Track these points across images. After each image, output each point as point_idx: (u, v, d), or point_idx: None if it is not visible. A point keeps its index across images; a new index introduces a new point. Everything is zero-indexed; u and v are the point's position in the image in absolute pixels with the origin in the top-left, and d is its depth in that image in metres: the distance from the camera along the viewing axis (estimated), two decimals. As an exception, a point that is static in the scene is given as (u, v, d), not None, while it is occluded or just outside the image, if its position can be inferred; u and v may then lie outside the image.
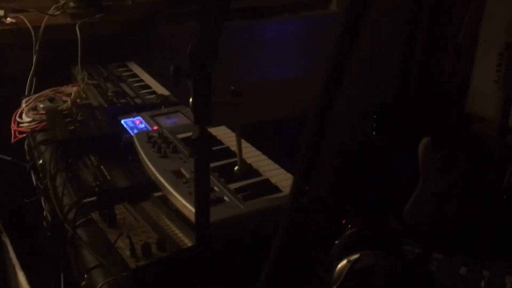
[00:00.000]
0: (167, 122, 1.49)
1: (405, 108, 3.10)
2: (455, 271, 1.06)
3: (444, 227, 2.50)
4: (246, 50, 2.56)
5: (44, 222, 1.62)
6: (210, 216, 0.69)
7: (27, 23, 1.84)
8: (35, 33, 1.83)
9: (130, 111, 1.56)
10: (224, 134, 1.35)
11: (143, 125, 1.46)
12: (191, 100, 0.60)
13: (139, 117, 1.51)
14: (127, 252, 0.90)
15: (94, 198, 1.04)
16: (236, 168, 0.66)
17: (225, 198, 1.01)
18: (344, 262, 0.74)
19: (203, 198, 0.66)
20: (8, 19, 1.85)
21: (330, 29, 2.77)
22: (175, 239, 0.94)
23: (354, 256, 0.73)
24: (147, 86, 1.79)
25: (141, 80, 1.86)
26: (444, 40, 2.94)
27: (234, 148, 1.26)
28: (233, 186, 1.07)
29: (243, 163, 0.65)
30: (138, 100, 1.66)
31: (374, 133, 3.07)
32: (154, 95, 1.70)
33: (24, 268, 1.74)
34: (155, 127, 1.44)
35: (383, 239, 0.78)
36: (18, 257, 1.79)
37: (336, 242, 0.82)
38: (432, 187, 2.57)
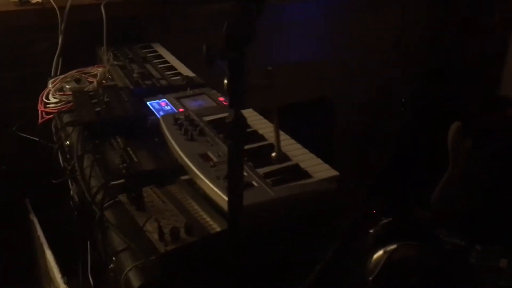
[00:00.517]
0: (193, 104, 1.47)
1: (434, 91, 3.01)
2: (495, 263, 1.01)
3: (473, 215, 2.44)
4: (272, 30, 2.51)
5: (71, 203, 1.64)
6: (242, 202, 0.66)
7: (53, 3, 1.83)
8: (61, 13, 1.82)
9: (156, 92, 1.54)
10: (251, 116, 1.32)
11: (169, 107, 1.45)
12: (225, 81, 0.57)
13: (164, 99, 1.50)
14: (156, 236, 0.88)
15: (121, 180, 1.03)
16: (273, 154, 0.63)
17: (254, 183, 0.98)
18: (381, 252, 0.71)
19: (236, 184, 0.63)
20: (34, -1, 1.84)
21: (354, 11, 2.70)
22: (203, 224, 0.93)
23: (391, 247, 0.70)
24: (172, 68, 1.77)
25: (166, 61, 1.83)
26: (477, 20, 2.82)
27: (262, 131, 1.23)
28: (261, 170, 1.04)
29: (280, 149, 0.61)
30: (163, 82, 1.64)
31: (403, 117, 2.99)
32: (179, 77, 1.68)
33: (51, 247, 1.77)
34: (181, 109, 1.42)
35: (420, 229, 0.75)
36: (45, 236, 1.82)
37: (371, 231, 0.79)
38: (462, 174, 2.50)
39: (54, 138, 1.69)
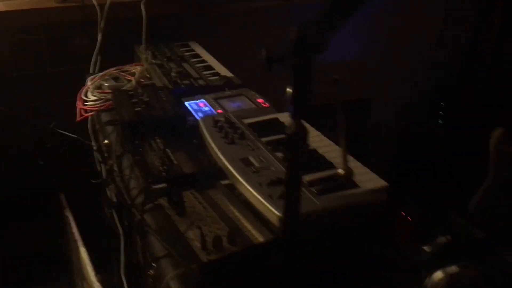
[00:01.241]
0: (232, 105, 1.44)
1: (476, 95, 2.89)
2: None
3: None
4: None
5: (107, 201, 1.64)
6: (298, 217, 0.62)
7: (93, 1, 1.83)
8: (100, 11, 1.83)
9: (194, 92, 1.52)
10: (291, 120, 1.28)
11: (207, 108, 1.42)
12: (288, 90, 0.53)
13: (203, 100, 1.47)
14: (197, 244, 0.86)
15: (163, 184, 1.00)
16: (339, 170, 0.59)
17: (298, 191, 0.94)
18: (440, 274, 0.66)
19: (293, 198, 0.59)
20: (75, -4, 1.85)
21: (400, 8, 2.61)
22: (245, 233, 0.90)
23: (453, 269, 0.65)
24: (209, 67, 1.75)
25: (204, 61, 1.81)
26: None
27: (304, 136, 1.18)
28: (305, 178, 1.00)
29: (347, 165, 0.57)
30: (201, 82, 1.62)
31: (440, 121, 2.89)
32: (217, 77, 1.65)
33: (86, 244, 1.78)
34: (220, 111, 1.39)
35: (480, 248, 0.70)
36: (80, 233, 1.83)
37: (425, 248, 0.74)
38: (503, 181, 2.39)
39: (91, 136, 1.70)
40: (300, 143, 0.56)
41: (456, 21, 2.77)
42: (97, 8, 1.82)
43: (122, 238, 1.48)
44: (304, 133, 0.55)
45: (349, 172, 0.57)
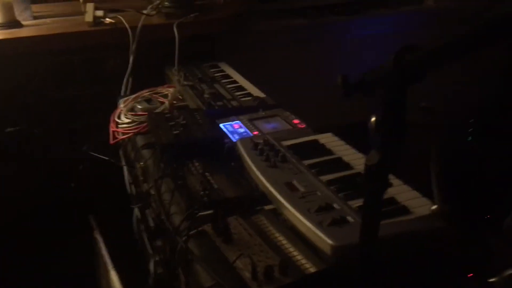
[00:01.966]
0: (267, 126, 1.42)
1: (509, 111, 2.81)
2: None
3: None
4: (337, 48, 2.44)
5: (139, 226, 1.62)
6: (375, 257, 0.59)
7: (125, 23, 1.85)
8: (132, 33, 1.84)
9: (228, 114, 1.50)
10: (332, 142, 1.25)
11: (242, 130, 1.40)
12: (373, 119, 0.50)
13: (238, 121, 1.46)
14: (247, 274, 0.83)
15: (209, 211, 0.98)
16: (434, 207, 0.55)
17: (348, 218, 0.91)
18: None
19: (372, 236, 0.56)
20: (107, 19, 1.87)
21: (426, 24, 2.58)
22: (295, 262, 0.86)
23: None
24: (241, 88, 1.73)
25: (235, 81, 1.80)
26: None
27: (347, 158, 1.15)
28: (353, 203, 0.96)
29: (442, 200, 0.54)
30: (234, 103, 1.60)
31: (470, 138, 2.82)
32: (250, 97, 1.64)
33: (116, 267, 1.76)
34: (256, 132, 1.37)
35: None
36: (110, 256, 1.81)
37: (492, 281, 0.69)
38: (540, 202, 2.30)
39: (122, 158, 1.69)
40: (382, 177, 0.52)
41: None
42: (129, 30, 1.84)
43: (152, 262, 1.46)
44: (388, 167, 0.51)
45: (443, 210, 0.53)
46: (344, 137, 1.31)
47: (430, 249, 0.90)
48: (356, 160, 1.14)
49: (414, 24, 2.59)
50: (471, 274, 0.88)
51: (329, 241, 0.83)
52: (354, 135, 1.37)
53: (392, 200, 0.97)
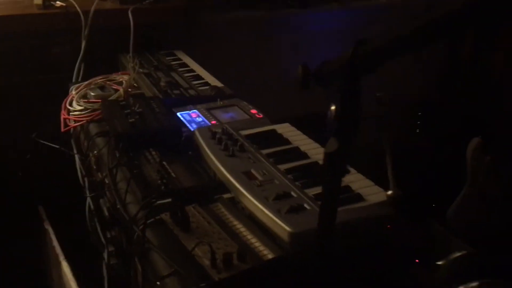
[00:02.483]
0: (225, 116, 1.43)
1: (452, 106, 2.97)
2: None
3: (490, 233, 2.39)
4: (292, 40, 2.47)
5: (88, 215, 1.58)
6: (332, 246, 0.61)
7: (77, 7, 1.78)
8: (85, 18, 1.78)
9: (185, 103, 1.49)
10: (289, 132, 1.28)
11: (200, 119, 1.40)
12: (332, 108, 0.52)
13: (195, 110, 1.45)
14: (207, 262, 0.83)
15: (168, 200, 0.97)
16: (389, 192, 0.58)
17: (306, 205, 0.93)
18: (461, 290, 0.66)
19: (328, 224, 0.58)
20: (57, 2, 1.79)
21: (377, 20, 2.66)
22: (253, 249, 0.88)
23: (473, 285, 0.65)
24: (199, 77, 1.72)
25: (192, 70, 1.79)
26: (497, 32, 2.79)
27: (304, 148, 1.18)
28: (310, 191, 0.99)
29: (395, 185, 0.56)
30: (191, 92, 1.59)
31: (417, 131, 2.95)
32: (207, 87, 1.63)
33: (68, 259, 1.71)
34: (214, 122, 1.37)
35: (499, 262, 0.70)
36: (61, 247, 1.76)
37: (440, 263, 0.74)
38: (479, 191, 2.45)
39: (75, 147, 1.64)
40: (339, 165, 0.54)
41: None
42: (81, 15, 1.77)
43: (106, 252, 1.43)
44: (345, 155, 0.53)
45: (398, 195, 0.56)
46: (299, 128, 1.34)
47: (381, 235, 0.94)
48: (313, 150, 1.17)
49: (365, 20, 2.66)
50: (417, 260, 0.93)
51: (287, 228, 0.85)
52: (309, 126, 1.40)
53: (347, 188, 1.00)
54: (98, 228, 1.52)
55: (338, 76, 0.51)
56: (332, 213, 0.57)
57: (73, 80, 1.79)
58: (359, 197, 0.97)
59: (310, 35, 2.49)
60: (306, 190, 0.99)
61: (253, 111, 1.45)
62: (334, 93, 0.51)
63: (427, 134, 2.93)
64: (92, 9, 1.78)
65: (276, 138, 1.22)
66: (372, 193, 0.98)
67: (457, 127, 2.84)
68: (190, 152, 1.23)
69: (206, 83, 1.66)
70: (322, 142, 1.25)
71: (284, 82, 2.46)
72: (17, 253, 1.93)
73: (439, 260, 0.78)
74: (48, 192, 1.91)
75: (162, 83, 1.60)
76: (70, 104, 1.55)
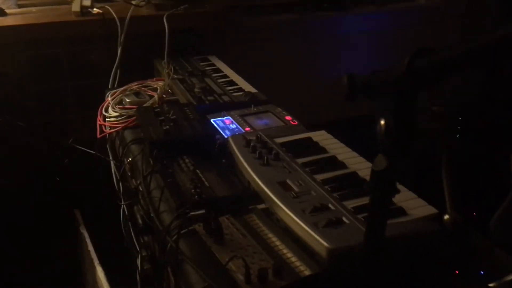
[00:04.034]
0: (259, 122, 1.40)
1: (494, 110, 2.84)
2: None
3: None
4: (326, 44, 2.42)
5: (123, 220, 1.58)
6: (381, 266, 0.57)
7: (113, 14, 1.80)
8: (121, 24, 1.79)
9: (219, 109, 1.47)
10: (326, 140, 1.23)
11: (234, 126, 1.37)
12: (382, 122, 0.48)
13: (228, 117, 1.42)
14: (240, 276, 0.80)
15: (201, 211, 0.95)
16: (446, 216, 0.53)
17: (344, 219, 0.89)
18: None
19: (376, 242, 0.54)
20: (94, 9, 1.82)
21: (417, 22, 2.57)
22: (289, 264, 0.84)
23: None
24: (232, 82, 1.70)
25: (226, 76, 1.77)
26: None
27: (341, 157, 1.13)
28: (349, 204, 0.94)
29: (454, 208, 0.51)
30: (225, 98, 1.57)
31: (458, 136, 2.83)
32: (241, 92, 1.61)
33: (102, 263, 1.72)
34: (248, 128, 1.35)
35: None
36: (96, 252, 1.77)
37: (493, 286, 0.68)
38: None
39: (110, 152, 1.65)
40: (388, 184, 0.50)
41: (474, 30, 2.72)
42: (118, 21, 1.79)
43: (139, 257, 1.43)
44: (394, 174, 0.49)
45: (457, 219, 0.51)
46: (335, 133, 1.29)
47: (424, 250, 0.88)
48: (351, 159, 1.12)
49: (403, 22, 2.58)
50: (457, 272, 0.87)
51: (325, 244, 0.81)
52: (344, 131, 1.35)
53: (388, 201, 0.95)
54: (132, 233, 1.52)
55: (390, 88, 0.46)
56: (379, 234, 0.53)
57: (109, 86, 1.81)
58: (401, 211, 0.92)
59: (347, 38, 2.44)
60: (345, 203, 0.95)
61: (288, 117, 1.41)
62: (384, 106, 0.46)
63: (469, 140, 2.81)
64: (128, 15, 1.80)
65: (312, 147, 1.18)
66: (415, 206, 0.93)
67: (498, 135, 2.71)
68: (223, 160, 1.21)
69: (240, 89, 1.64)
70: (355, 148, 1.20)
71: (320, 86, 2.43)
72: (54, 255, 1.97)
73: (493, 281, 0.72)
74: (84, 197, 1.94)
75: (196, 89, 1.59)
76: (106, 110, 1.56)
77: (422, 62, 0.45)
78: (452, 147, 0.52)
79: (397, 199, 0.95)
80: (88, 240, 1.84)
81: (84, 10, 1.81)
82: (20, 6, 1.94)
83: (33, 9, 1.92)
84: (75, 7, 1.80)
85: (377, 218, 0.54)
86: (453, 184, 0.52)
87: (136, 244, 1.46)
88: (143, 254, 1.34)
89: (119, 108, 1.53)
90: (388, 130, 0.47)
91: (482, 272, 0.89)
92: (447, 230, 0.54)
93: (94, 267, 1.75)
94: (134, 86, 1.65)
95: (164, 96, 1.59)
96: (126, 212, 1.55)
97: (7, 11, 1.84)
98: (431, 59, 0.44)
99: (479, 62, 0.42)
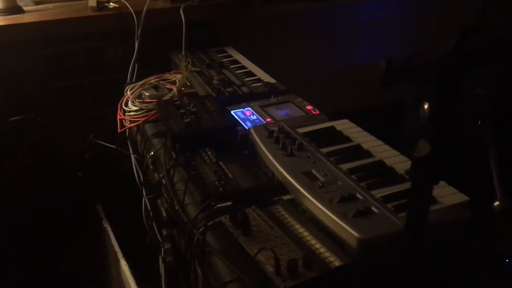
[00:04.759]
0: (279, 113, 1.38)
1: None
2: None
3: None
4: (342, 32, 2.39)
5: (145, 214, 1.59)
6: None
7: (129, 8, 1.79)
8: (137, 18, 1.78)
9: (239, 100, 1.46)
10: (349, 128, 1.21)
11: (255, 117, 1.36)
12: (426, 106, 0.46)
13: (249, 108, 1.41)
14: (270, 268, 0.79)
15: (228, 203, 0.94)
16: (496, 203, 0.51)
17: (374, 208, 0.87)
18: None
19: (418, 231, 0.52)
20: (111, 3, 1.81)
21: (436, 8, 2.51)
22: (319, 255, 0.83)
23: None
24: (251, 73, 1.69)
25: (243, 67, 1.75)
26: None
27: (366, 145, 1.11)
28: (377, 193, 0.93)
29: (504, 195, 0.50)
30: (244, 89, 1.56)
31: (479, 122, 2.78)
32: (260, 83, 1.59)
33: (126, 257, 1.73)
34: (268, 119, 1.33)
35: None
36: (119, 245, 1.79)
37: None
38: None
39: (130, 146, 1.66)
40: (431, 170, 0.48)
41: (494, 21, 2.65)
42: (134, 15, 1.78)
43: (162, 250, 1.43)
44: (440, 160, 0.47)
45: (506, 204, 0.49)
46: (356, 122, 1.27)
47: (455, 239, 0.86)
48: (376, 147, 1.10)
49: (419, 8, 2.52)
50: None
51: (355, 234, 0.80)
52: (363, 120, 1.33)
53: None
54: (155, 227, 1.52)
55: (434, 71, 0.44)
56: (421, 225, 0.52)
57: (128, 81, 1.81)
58: (432, 200, 0.89)
59: (363, 25, 2.40)
60: (373, 192, 0.93)
61: (309, 107, 1.39)
62: (426, 89, 0.44)
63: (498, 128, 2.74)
64: (144, 9, 1.79)
65: (336, 136, 1.16)
66: (446, 194, 0.91)
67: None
68: (246, 151, 1.20)
69: (259, 80, 1.62)
70: (378, 137, 1.17)
71: (338, 75, 2.40)
72: (78, 250, 1.99)
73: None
74: (106, 191, 1.95)
75: (214, 81, 1.58)
76: (126, 105, 1.56)
77: (472, 42, 0.42)
78: (499, 132, 0.50)
79: (427, 187, 0.93)
80: (111, 234, 1.85)
81: (100, 5, 1.81)
82: (36, 3, 1.95)
83: (50, 5, 1.92)
84: (92, 2, 1.80)
85: (419, 207, 0.52)
86: (502, 170, 0.50)
87: (158, 236, 1.46)
88: (166, 247, 1.34)
89: (138, 102, 1.53)
90: (433, 114, 0.45)
91: (507, 260, 0.87)
92: (488, 220, 0.52)
93: (118, 261, 1.76)
94: (152, 80, 1.65)
95: (183, 89, 1.58)
96: (149, 206, 1.56)
97: (25, 8, 1.85)
98: (481, 39, 0.42)
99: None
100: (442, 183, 0.94)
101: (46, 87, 1.85)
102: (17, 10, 1.80)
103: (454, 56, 0.42)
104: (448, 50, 0.43)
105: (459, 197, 0.90)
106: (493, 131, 0.50)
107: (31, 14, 1.82)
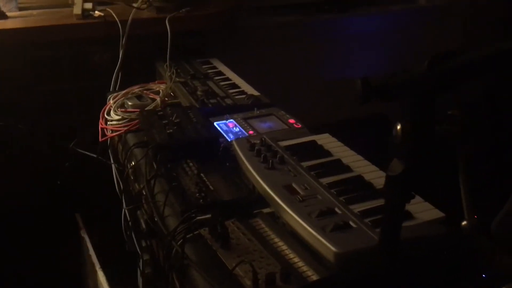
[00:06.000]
0: (262, 125, 1.39)
1: (495, 109, 2.83)
2: None
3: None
4: (328, 45, 2.42)
5: (125, 224, 1.58)
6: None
7: (115, 16, 1.79)
8: (122, 27, 1.78)
9: (222, 112, 1.47)
10: (330, 143, 1.23)
11: (237, 129, 1.37)
12: (398, 127, 0.47)
13: (232, 120, 1.42)
14: (248, 282, 0.80)
15: (207, 216, 0.94)
16: (464, 222, 0.53)
17: (351, 223, 0.88)
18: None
19: (391, 247, 0.53)
20: (96, 12, 1.81)
21: (419, 24, 2.57)
22: (297, 269, 0.83)
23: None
24: (235, 85, 1.70)
25: (228, 79, 1.76)
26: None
27: (346, 160, 1.13)
28: (355, 207, 0.94)
29: (472, 215, 0.51)
30: (228, 101, 1.57)
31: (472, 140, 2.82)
32: (244, 95, 1.60)
33: (103, 267, 1.71)
34: (251, 132, 1.34)
35: None
36: (97, 256, 1.76)
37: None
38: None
39: (111, 156, 1.64)
40: (404, 189, 0.49)
41: (478, 36, 2.72)
42: (119, 24, 1.78)
43: (141, 263, 1.42)
44: (413, 178, 0.48)
45: (474, 223, 0.51)
46: (336, 134, 1.29)
47: (432, 254, 0.88)
48: (356, 162, 1.12)
49: (405, 23, 2.58)
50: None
51: (333, 248, 0.81)
52: (346, 132, 1.35)
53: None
54: (134, 238, 1.51)
55: (408, 91, 0.46)
56: (393, 242, 0.53)
57: (111, 89, 1.80)
58: (408, 215, 0.91)
59: (348, 40, 2.44)
60: (351, 206, 0.94)
61: (291, 120, 1.41)
62: (402, 110, 0.46)
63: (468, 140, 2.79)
64: (130, 18, 1.79)
65: (317, 150, 1.18)
66: (422, 210, 0.92)
67: (501, 138, 2.70)
68: (227, 163, 1.20)
69: (243, 92, 1.63)
70: (360, 150, 1.19)
71: (323, 88, 2.42)
72: (55, 259, 1.96)
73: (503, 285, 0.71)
74: (85, 200, 1.93)
75: (198, 92, 1.59)
76: (108, 114, 1.55)
77: (444, 65, 0.44)
78: (469, 152, 0.51)
79: (404, 202, 0.95)
80: (89, 244, 1.83)
81: (85, 13, 1.80)
82: (21, 9, 1.93)
83: (34, 12, 1.91)
84: (77, 10, 1.79)
85: (391, 223, 0.53)
86: (470, 189, 0.52)
87: (137, 247, 1.45)
88: (145, 258, 1.33)
89: (121, 111, 1.52)
90: (405, 134, 0.46)
91: (484, 276, 0.89)
92: (464, 235, 0.53)
93: (95, 272, 1.74)
94: (136, 89, 1.64)
95: (167, 99, 1.58)
96: (128, 217, 1.54)
97: (8, 14, 1.83)
98: (453, 62, 0.44)
99: (503, 67, 0.41)
100: (418, 199, 0.96)
101: (29, 93, 1.83)
102: (0, 15, 1.79)
103: (426, 78, 0.44)
104: (422, 71, 0.45)
105: (435, 213, 0.92)
106: (463, 153, 0.52)
107: (14, 20, 1.81)
